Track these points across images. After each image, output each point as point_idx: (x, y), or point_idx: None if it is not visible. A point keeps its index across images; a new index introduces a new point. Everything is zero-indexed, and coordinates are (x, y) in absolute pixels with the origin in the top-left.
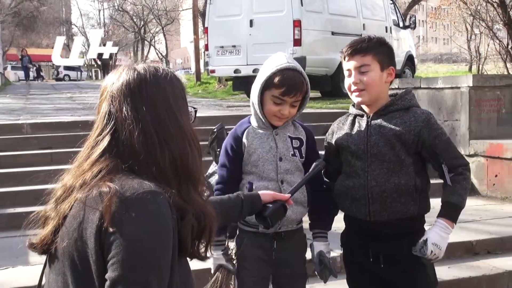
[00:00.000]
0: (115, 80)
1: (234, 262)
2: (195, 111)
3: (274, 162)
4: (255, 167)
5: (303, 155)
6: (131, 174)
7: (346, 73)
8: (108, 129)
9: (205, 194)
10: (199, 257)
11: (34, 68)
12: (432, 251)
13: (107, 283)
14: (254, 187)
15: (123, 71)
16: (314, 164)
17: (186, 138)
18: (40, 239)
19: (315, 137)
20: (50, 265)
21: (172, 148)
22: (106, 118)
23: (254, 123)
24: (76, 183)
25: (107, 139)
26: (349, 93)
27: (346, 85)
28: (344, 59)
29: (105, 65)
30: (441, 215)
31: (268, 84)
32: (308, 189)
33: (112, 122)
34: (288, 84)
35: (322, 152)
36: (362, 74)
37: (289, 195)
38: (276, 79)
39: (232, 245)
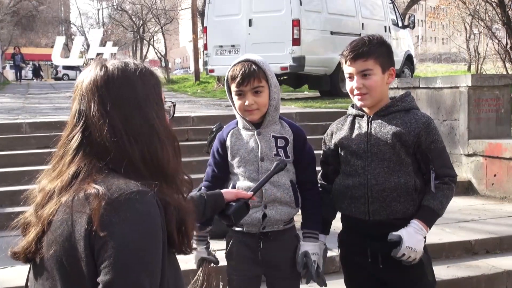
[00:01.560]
0: (85, 77)
1: (215, 256)
2: (174, 106)
3: (256, 163)
4: (238, 168)
5: (289, 155)
6: (112, 173)
7: (346, 75)
8: (78, 128)
9: (184, 190)
10: (183, 251)
11: (28, 67)
12: (405, 254)
13: (100, 286)
14: (236, 187)
15: (92, 69)
16: (275, 163)
17: (156, 133)
18: (22, 247)
19: (314, 136)
20: (35, 273)
21: (141, 143)
22: (76, 116)
23: (239, 124)
24: (55, 187)
25: (77, 138)
26: (351, 96)
27: (347, 88)
28: (345, 63)
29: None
30: (418, 217)
31: (228, 83)
32: (295, 190)
33: (82, 120)
34: (239, 74)
35: (318, 152)
36: (364, 78)
37: (252, 193)
38: (229, 74)
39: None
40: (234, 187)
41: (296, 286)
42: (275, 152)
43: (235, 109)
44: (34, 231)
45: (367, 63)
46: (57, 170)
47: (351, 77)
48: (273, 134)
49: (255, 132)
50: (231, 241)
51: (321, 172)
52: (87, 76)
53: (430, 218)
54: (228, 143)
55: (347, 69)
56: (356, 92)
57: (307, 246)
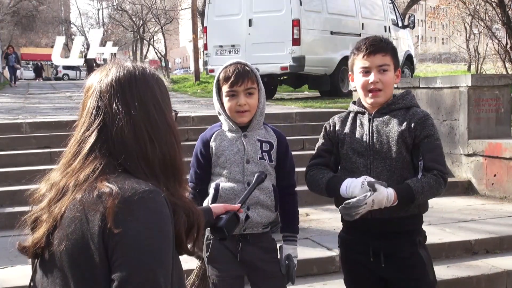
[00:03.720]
0: (103, 76)
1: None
2: (176, 114)
3: (241, 164)
4: (223, 169)
5: (273, 159)
6: (124, 173)
7: (359, 70)
8: (96, 124)
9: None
10: (188, 253)
11: (28, 67)
12: (366, 204)
13: (115, 283)
14: (220, 188)
15: (111, 68)
16: (256, 175)
17: (173, 135)
18: (32, 242)
19: (314, 136)
20: (45, 271)
21: (161, 144)
22: (93, 113)
23: (224, 127)
24: (69, 184)
25: (95, 134)
26: (362, 92)
27: (360, 83)
28: (362, 57)
29: (89, 66)
30: (394, 188)
31: (219, 85)
32: (276, 194)
33: (100, 118)
34: (233, 75)
35: (310, 153)
36: (382, 73)
37: (239, 205)
38: (221, 76)
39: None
40: (217, 188)
41: (283, 284)
42: (260, 156)
43: (223, 111)
44: (46, 225)
45: (386, 58)
46: (71, 166)
47: (367, 71)
48: (259, 138)
49: (242, 134)
50: (211, 244)
51: (317, 160)
52: (107, 74)
53: (404, 194)
54: (212, 144)
55: (363, 63)
56: (371, 87)
57: (289, 249)
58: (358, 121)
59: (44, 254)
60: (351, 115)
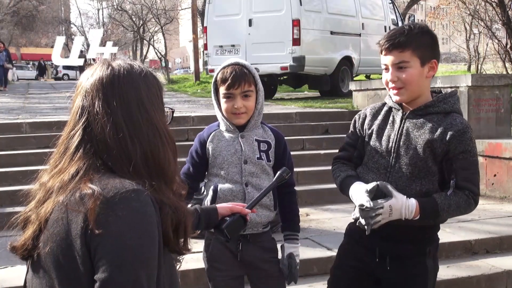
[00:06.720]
0: (89, 76)
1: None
2: (172, 112)
3: (239, 165)
4: (221, 170)
5: (271, 159)
6: (108, 172)
7: (382, 66)
8: (80, 124)
9: (181, 193)
10: (178, 251)
11: (15, 68)
12: (383, 207)
13: (97, 284)
14: (218, 189)
15: (97, 67)
16: (278, 173)
17: (158, 134)
18: (20, 243)
19: (314, 136)
20: (33, 271)
21: (143, 143)
22: (79, 113)
23: (222, 127)
24: (54, 185)
25: (79, 134)
26: (387, 88)
27: (383, 80)
28: (381, 53)
29: (81, 66)
30: (419, 200)
31: (216, 86)
32: (275, 194)
33: (85, 117)
34: (230, 77)
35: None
36: (400, 70)
37: (248, 210)
38: (219, 77)
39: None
40: (215, 189)
41: (282, 283)
42: (258, 156)
43: (220, 112)
44: (32, 228)
45: (403, 55)
46: (58, 167)
47: (386, 68)
48: (256, 137)
49: (239, 135)
50: (211, 244)
51: (341, 153)
52: (93, 74)
53: (429, 209)
54: (209, 145)
55: (383, 59)
56: (391, 85)
57: (291, 248)
58: (390, 118)
59: (33, 255)
60: (385, 108)
